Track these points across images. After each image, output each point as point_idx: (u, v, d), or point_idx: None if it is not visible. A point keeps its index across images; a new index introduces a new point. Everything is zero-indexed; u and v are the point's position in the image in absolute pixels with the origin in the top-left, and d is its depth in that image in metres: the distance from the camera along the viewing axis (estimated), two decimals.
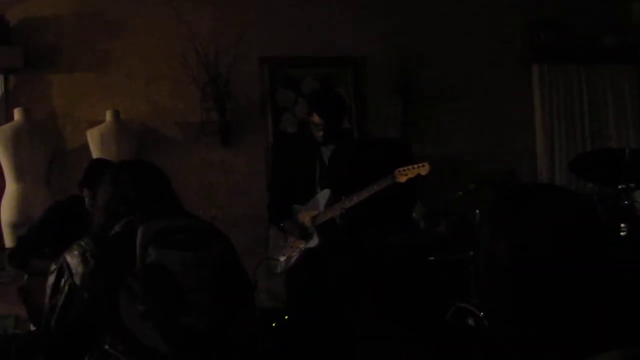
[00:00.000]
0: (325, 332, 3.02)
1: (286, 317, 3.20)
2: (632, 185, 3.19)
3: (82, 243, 1.77)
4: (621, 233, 3.04)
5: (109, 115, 4.14)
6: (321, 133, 3.21)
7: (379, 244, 3.70)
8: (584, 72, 4.93)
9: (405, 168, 3.08)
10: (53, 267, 1.78)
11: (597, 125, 4.92)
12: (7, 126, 3.99)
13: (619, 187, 3.19)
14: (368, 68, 4.64)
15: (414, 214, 3.99)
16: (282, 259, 3.25)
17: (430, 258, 3.62)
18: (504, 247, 1.15)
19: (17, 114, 4.00)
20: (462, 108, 4.70)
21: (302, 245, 3.22)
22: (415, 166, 3.09)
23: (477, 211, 3.81)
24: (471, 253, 3.47)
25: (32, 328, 2.84)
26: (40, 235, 2.95)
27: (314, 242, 3.19)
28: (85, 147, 4.13)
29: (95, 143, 4.10)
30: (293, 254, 3.22)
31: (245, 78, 4.40)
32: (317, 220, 3.20)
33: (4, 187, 3.98)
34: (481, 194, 3.89)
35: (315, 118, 3.22)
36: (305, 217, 3.26)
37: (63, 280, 1.75)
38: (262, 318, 3.33)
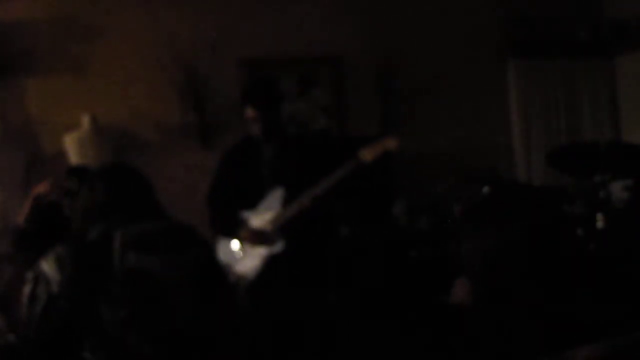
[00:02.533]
0: (305, 332, 2.89)
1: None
2: (608, 177, 3.24)
3: (59, 249, 1.76)
4: (598, 225, 3.09)
5: (86, 120, 4.11)
6: (258, 128, 2.88)
7: (359, 240, 3.68)
8: (559, 66, 4.99)
9: (370, 145, 2.81)
10: (29, 275, 1.77)
11: (573, 120, 4.99)
12: None
13: (595, 179, 3.24)
14: (346, 67, 4.65)
15: (394, 210, 4.02)
16: (244, 271, 2.92)
17: (412, 253, 3.64)
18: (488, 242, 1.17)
19: None
20: (440, 104, 4.74)
21: (265, 252, 2.89)
22: (381, 141, 2.81)
23: (457, 206, 3.85)
24: (452, 247, 3.51)
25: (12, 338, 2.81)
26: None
27: (278, 246, 2.86)
28: (63, 153, 4.10)
29: (73, 148, 4.07)
30: (255, 264, 2.89)
31: (224, 79, 4.38)
32: (278, 221, 2.88)
33: None
34: (461, 189, 3.93)
35: (250, 112, 2.89)
36: (259, 221, 2.94)
37: (40, 288, 1.74)
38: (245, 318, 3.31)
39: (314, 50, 4.58)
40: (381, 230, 3.94)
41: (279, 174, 2.97)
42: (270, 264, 2.91)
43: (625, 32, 4.87)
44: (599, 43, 4.98)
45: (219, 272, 2.02)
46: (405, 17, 4.71)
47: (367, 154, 2.83)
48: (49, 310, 1.73)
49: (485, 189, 3.69)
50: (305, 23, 4.58)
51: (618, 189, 3.68)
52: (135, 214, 1.89)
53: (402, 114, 4.64)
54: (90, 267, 1.76)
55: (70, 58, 4.25)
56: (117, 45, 4.31)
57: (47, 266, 1.75)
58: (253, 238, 2.93)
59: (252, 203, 2.99)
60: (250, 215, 3.00)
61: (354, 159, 2.84)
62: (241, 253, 2.99)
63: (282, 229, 2.90)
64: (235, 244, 3.00)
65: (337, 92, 4.65)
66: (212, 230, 3.06)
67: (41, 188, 2.66)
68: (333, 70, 4.64)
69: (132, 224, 1.84)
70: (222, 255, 2.95)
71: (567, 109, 5.00)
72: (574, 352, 1.08)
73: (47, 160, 4.16)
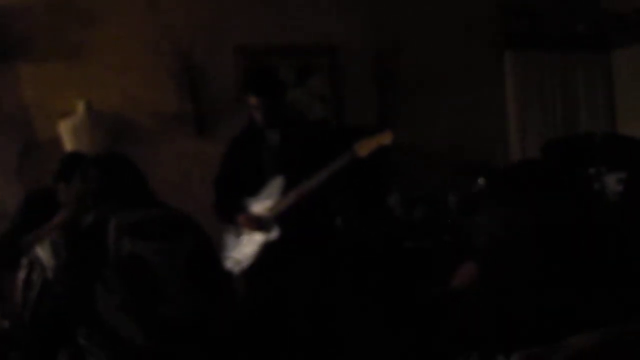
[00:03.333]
0: (297, 324, 2.91)
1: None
2: (603, 169, 3.24)
3: (54, 236, 1.76)
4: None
5: (81, 107, 4.08)
6: (261, 114, 2.94)
7: (354, 232, 3.68)
8: (556, 58, 4.99)
9: (365, 140, 2.85)
10: (24, 261, 1.77)
11: (569, 112, 5.00)
12: None
13: (590, 171, 3.25)
14: (344, 57, 4.64)
15: (390, 201, 4.02)
16: (241, 256, 3.00)
17: (407, 244, 3.65)
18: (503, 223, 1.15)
19: None
20: (437, 95, 4.73)
21: (262, 239, 2.96)
22: (376, 137, 2.85)
23: (453, 197, 3.86)
24: (447, 238, 3.53)
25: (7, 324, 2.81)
26: (21, 231, 2.89)
27: (274, 233, 2.92)
28: (58, 139, 4.07)
29: (68, 135, 4.05)
30: (252, 250, 2.95)
31: (220, 67, 4.37)
32: (275, 209, 2.95)
33: None
34: (457, 180, 3.94)
35: (252, 99, 2.95)
36: (260, 208, 3.00)
37: (35, 274, 1.74)
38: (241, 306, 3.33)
39: (311, 39, 4.56)
40: (376, 222, 3.94)
41: (280, 162, 3.01)
42: (266, 250, 2.95)
43: (622, 25, 4.87)
44: (596, 36, 4.98)
45: (214, 259, 2.02)
46: (403, 7, 4.70)
47: (362, 149, 2.87)
48: (43, 296, 1.73)
49: (481, 181, 3.70)
50: (303, 12, 4.56)
51: (612, 182, 3.69)
52: (128, 202, 1.89)
53: (398, 104, 4.64)
54: (85, 253, 1.76)
55: (66, 44, 4.22)
56: (113, 32, 4.28)
57: (42, 252, 1.75)
58: (250, 224, 2.98)
59: (255, 190, 3.04)
60: (251, 201, 3.05)
61: (349, 152, 2.88)
62: (241, 238, 3.04)
63: (280, 217, 2.95)
64: (235, 230, 3.05)
65: (334, 81, 4.63)
66: (216, 215, 3.12)
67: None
68: (330, 60, 4.63)
69: (127, 211, 1.84)
70: (225, 240, 3.05)
71: (563, 101, 5.00)
72: (569, 340, 1.09)
73: (41, 146, 4.14)
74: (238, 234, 3.06)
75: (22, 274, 1.75)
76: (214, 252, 2.02)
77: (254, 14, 4.49)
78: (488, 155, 4.66)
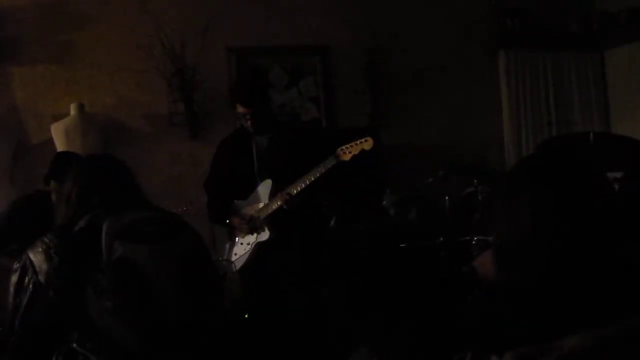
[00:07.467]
0: (287, 324, 2.97)
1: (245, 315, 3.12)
2: (597, 168, 3.24)
3: (46, 239, 1.74)
4: None
5: (73, 109, 4.06)
6: (249, 123, 3.07)
7: (346, 232, 3.70)
8: (549, 58, 5.00)
9: (348, 145, 3.01)
10: (16, 265, 1.75)
11: (563, 112, 5.00)
12: None
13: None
14: (336, 57, 4.63)
15: (384, 202, 4.02)
16: (235, 257, 3.11)
17: (401, 245, 3.65)
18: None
19: None
20: (430, 95, 4.73)
21: (253, 240, 3.10)
22: (358, 142, 3.01)
23: (447, 197, 3.85)
24: (441, 239, 3.52)
25: None
26: (5, 232, 2.87)
27: (265, 235, 3.07)
28: (50, 142, 4.05)
29: (60, 137, 4.02)
30: (245, 251, 3.08)
31: (212, 68, 4.35)
32: (264, 212, 3.08)
33: None
34: (450, 180, 3.93)
35: (240, 109, 3.08)
36: (250, 210, 3.13)
37: (27, 278, 1.71)
38: (233, 309, 3.32)
39: (303, 40, 4.56)
40: (370, 222, 3.94)
41: (269, 166, 3.13)
42: (258, 251, 3.08)
43: (615, 25, 4.89)
44: (589, 35, 4.99)
45: (206, 262, 2.00)
46: (396, 7, 4.70)
47: (345, 154, 3.01)
48: (35, 300, 1.70)
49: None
50: (295, 12, 4.55)
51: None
52: (122, 204, 1.87)
53: (391, 104, 4.64)
54: (78, 257, 1.73)
55: (58, 46, 4.20)
56: (105, 33, 4.26)
57: (34, 256, 1.73)
58: (241, 225, 3.12)
59: (246, 193, 3.16)
60: (241, 204, 3.17)
61: (333, 156, 3.01)
62: (234, 239, 3.17)
63: (269, 219, 3.08)
64: (228, 231, 3.18)
65: (326, 82, 4.62)
66: (209, 217, 3.28)
67: None
68: (323, 61, 4.62)
69: (119, 213, 1.81)
70: (218, 240, 3.20)
71: (556, 100, 5.01)
72: (562, 341, 1.08)
73: (33, 149, 4.12)
74: (231, 236, 3.18)
75: (14, 278, 1.73)
76: (207, 255, 2.01)
77: (246, 15, 4.47)
78: (482, 154, 4.66)
